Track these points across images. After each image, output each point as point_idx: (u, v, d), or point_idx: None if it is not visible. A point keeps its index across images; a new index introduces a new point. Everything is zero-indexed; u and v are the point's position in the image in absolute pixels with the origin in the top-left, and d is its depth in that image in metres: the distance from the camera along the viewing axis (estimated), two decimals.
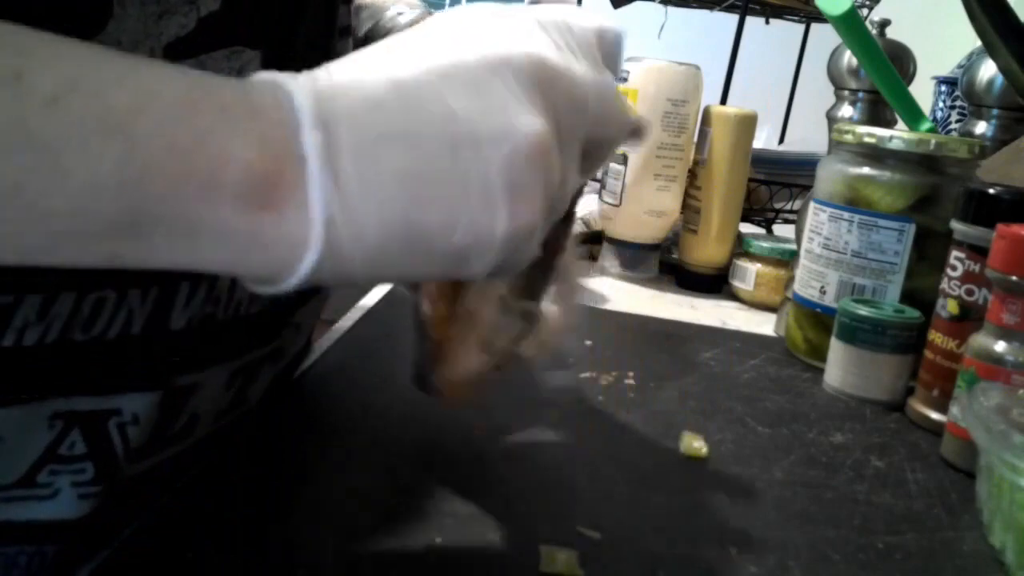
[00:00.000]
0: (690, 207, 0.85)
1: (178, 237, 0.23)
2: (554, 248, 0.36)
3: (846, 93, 0.99)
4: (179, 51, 0.30)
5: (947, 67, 1.07)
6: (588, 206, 0.89)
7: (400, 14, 0.50)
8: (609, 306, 0.75)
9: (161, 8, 0.29)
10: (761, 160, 0.97)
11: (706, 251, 0.84)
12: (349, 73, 0.25)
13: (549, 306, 0.38)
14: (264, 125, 0.23)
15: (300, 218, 0.24)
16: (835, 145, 0.65)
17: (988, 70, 0.83)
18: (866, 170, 0.61)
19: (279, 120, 0.24)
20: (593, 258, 0.39)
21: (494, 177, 0.25)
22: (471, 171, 0.25)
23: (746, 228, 0.97)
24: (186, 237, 0.23)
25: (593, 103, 0.28)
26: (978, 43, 0.74)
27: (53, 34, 0.22)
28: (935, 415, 0.53)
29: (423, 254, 0.25)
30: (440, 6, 3.00)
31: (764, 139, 1.26)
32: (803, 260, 0.66)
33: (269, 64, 0.34)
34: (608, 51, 0.32)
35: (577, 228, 0.38)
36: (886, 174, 0.60)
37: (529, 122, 0.26)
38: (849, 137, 0.62)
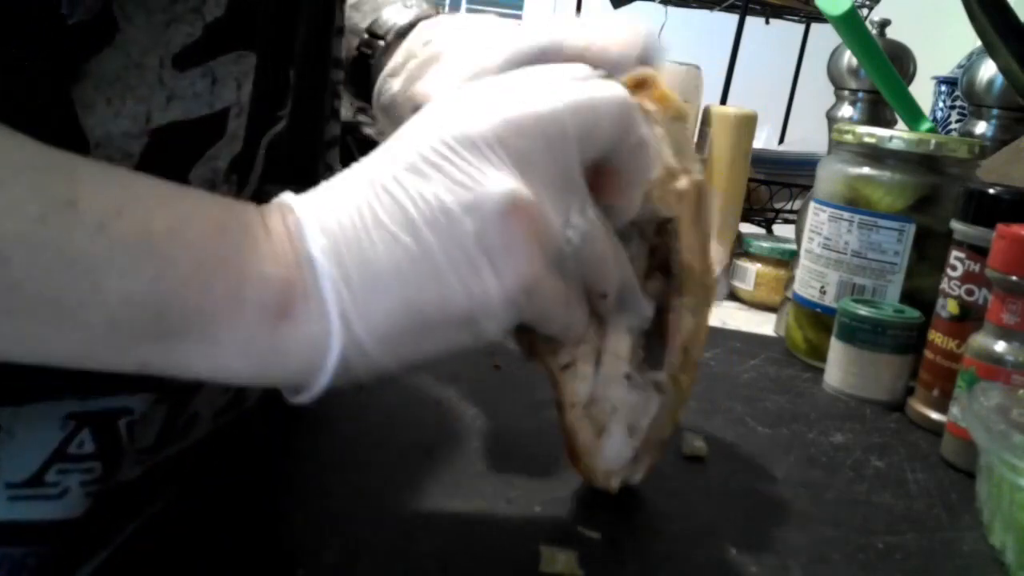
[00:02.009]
0: None
1: (202, 347, 0.25)
2: (663, 308, 0.35)
3: (846, 93, 0.99)
4: (188, 59, 0.31)
5: (947, 67, 1.07)
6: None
7: (408, 6, 0.50)
8: None
9: (168, 16, 0.30)
10: (761, 160, 0.97)
11: None
12: (336, 183, 0.29)
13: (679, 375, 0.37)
14: (277, 241, 0.27)
15: (317, 319, 0.27)
16: (835, 145, 0.65)
17: (988, 70, 0.83)
18: (866, 170, 0.61)
19: (288, 232, 0.27)
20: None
21: (471, 245, 0.27)
22: (450, 244, 0.27)
23: (746, 228, 0.97)
24: (209, 347, 0.25)
25: (573, 125, 0.29)
26: (978, 43, 0.74)
27: (100, 162, 0.25)
28: (935, 415, 0.53)
29: (429, 328, 0.28)
30: (440, 4, 3.00)
31: (764, 139, 1.26)
32: (803, 260, 0.66)
33: (265, 66, 0.34)
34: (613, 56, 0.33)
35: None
36: (886, 174, 0.60)
37: (496, 184, 0.27)
38: (849, 137, 0.62)
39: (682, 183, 0.34)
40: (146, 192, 0.25)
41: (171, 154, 0.31)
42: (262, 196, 0.35)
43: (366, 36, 0.49)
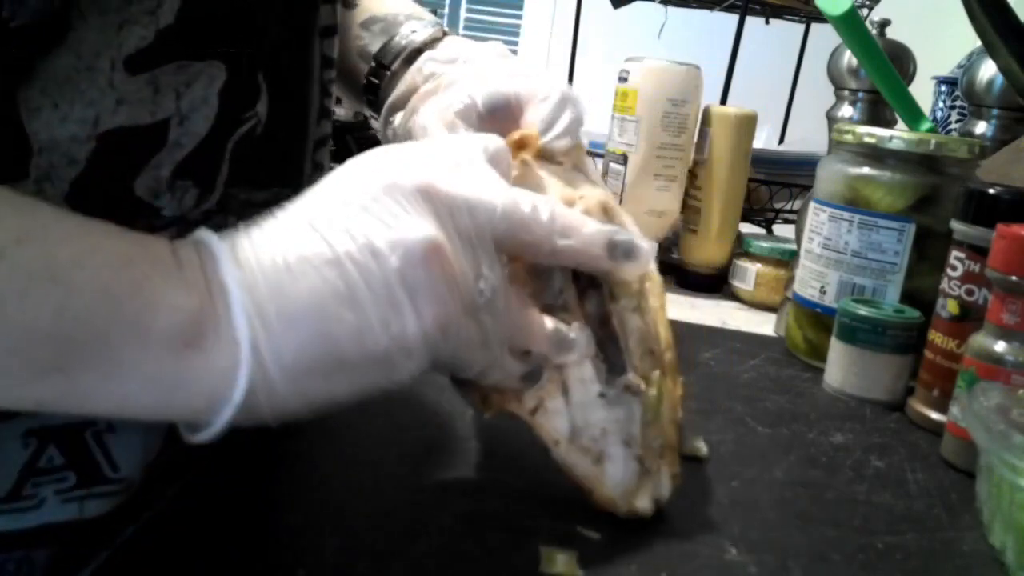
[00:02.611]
0: (690, 207, 0.85)
1: (106, 379, 0.24)
2: (603, 316, 0.36)
3: (846, 93, 0.99)
4: (138, 63, 0.30)
5: (947, 67, 1.07)
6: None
7: (414, 32, 0.50)
8: None
9: (122, 17, 0.30)
10: (761, 160, 0.97)
11: (706, 251, 0.84)
12: (261, 222, 0.29)
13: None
14: (189, 271, 0.26)
15: (227, 349, 0.26)
16: (835, 145, 0.65)
17: (988, 70, 0.83)
18: (866, 170, 0.61)
19: (201, 264, 0.27)
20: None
21: (394, 282, 0.27)
22: (374, 280, 0.27)
23: (746, 228, 0.97)
24: (113, 379, 0.24)
25: (501, 211, 0.31)
26: (978, 43, 0.74)
27: (4, 190, 0.24)
28: (935, 415, 0.53)
29: (343, 366, 0.27)
30: (440, 5, 3.00)
31: (764, 139, 1.26)
32: (803, 260, 0.66)
33: (235, 73, 0.34)
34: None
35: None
36: (886, 174, 0.60)
37: (419, 229, 0.28)
38: (849, 137, 0.62)
39: (579, 207, 0.36)
40: (50, 222, 0.24)
41: (117, 161, 0.31)
42: (228, 200, 0.35)
43: (373, 64, 0.50)
